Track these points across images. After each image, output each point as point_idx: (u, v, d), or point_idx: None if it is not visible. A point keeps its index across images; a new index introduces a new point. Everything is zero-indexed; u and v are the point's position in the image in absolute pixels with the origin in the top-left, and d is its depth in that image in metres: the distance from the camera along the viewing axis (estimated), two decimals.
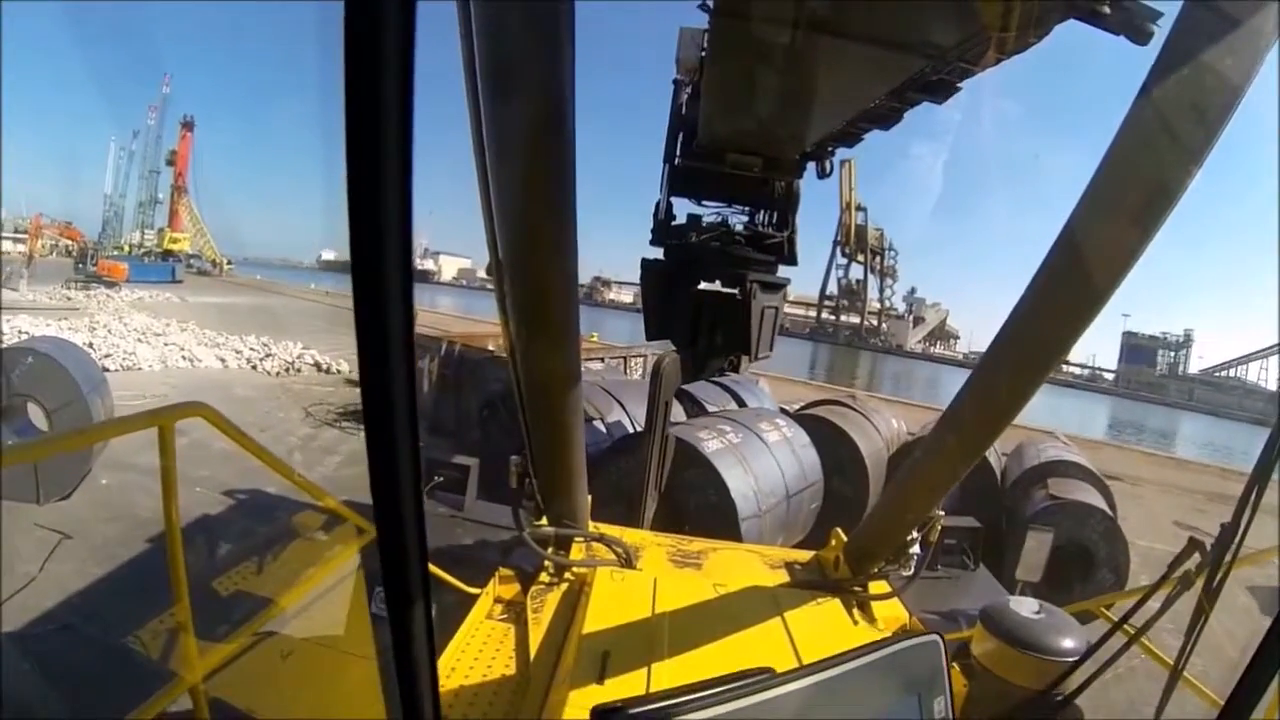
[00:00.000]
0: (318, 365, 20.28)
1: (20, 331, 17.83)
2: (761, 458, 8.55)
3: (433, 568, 4.31)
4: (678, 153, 5.21)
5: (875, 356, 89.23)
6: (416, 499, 1.16)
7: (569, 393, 3.20)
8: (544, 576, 3.91)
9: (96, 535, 7.42)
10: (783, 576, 4.25)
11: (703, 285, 5.25)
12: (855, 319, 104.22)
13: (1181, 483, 20.10)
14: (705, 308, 5.04)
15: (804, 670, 1.47)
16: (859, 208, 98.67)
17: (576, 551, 4.07)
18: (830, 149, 5.03)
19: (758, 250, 5.03)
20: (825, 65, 3.43)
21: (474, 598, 3.96)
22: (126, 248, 64.42)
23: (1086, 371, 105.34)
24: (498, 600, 3.90)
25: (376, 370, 1.01)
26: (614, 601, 3.36)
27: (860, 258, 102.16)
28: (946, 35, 3.06)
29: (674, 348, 8.10)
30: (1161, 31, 2.20)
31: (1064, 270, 2.59)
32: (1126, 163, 2.32)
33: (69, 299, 32.14)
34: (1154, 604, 2.39)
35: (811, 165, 5.57)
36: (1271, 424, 1.85)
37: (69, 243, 51.46)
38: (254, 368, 19.49)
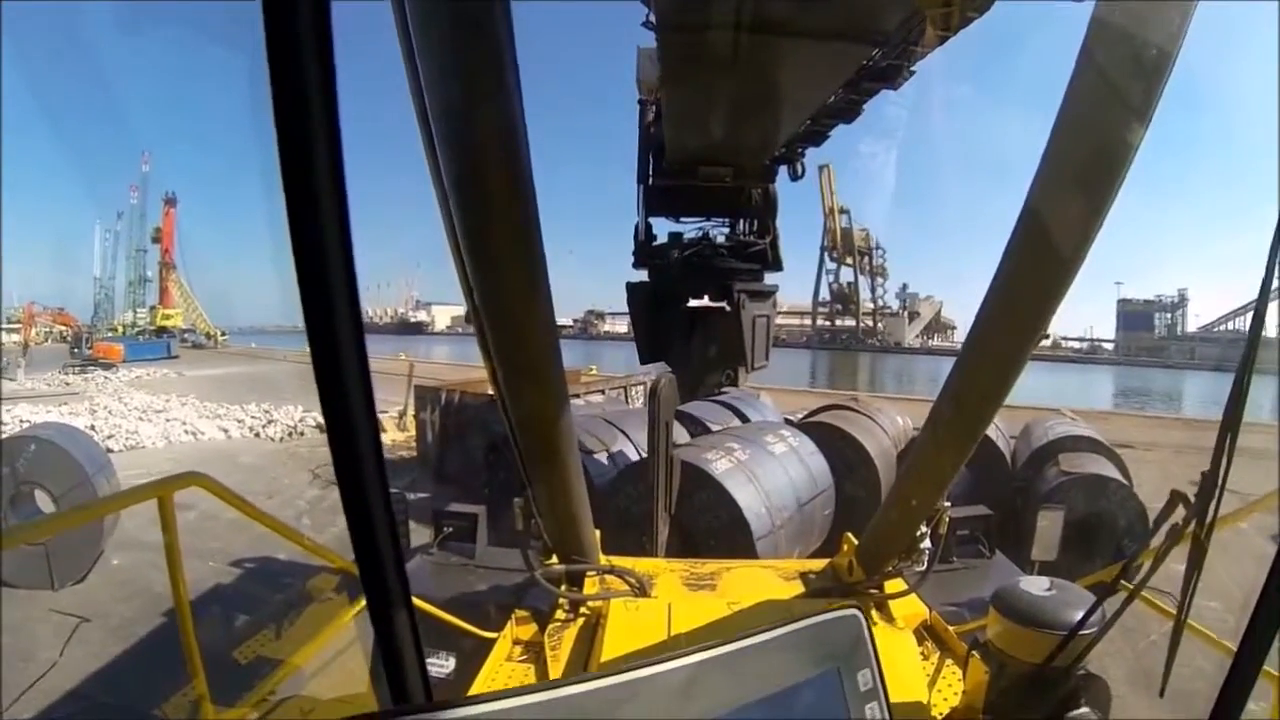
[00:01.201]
0: (320, 426, 20.07)
1: (21, 420, 17.83)
2: (771, 472, 8.54)
3: (448, 616, 4.28)
4: (650, 172, 5.24)
5: (875, 356, 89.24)
6: (394, 541, 1.19)
7: (561, 429, 3.19)
8: (559, 614, 3.92)
9: (114, 615, 7.40)
10: (798, 588, 4.26)
11: (691, 302, 5.24)
12: (851, 322, 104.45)
13: (1193, 442, 20.01)
14: (696, 324, 5.02)
15: (691, 650, 1.43)
16: (842, 211, 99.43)
17: (590, 586, 4.07)
18: (800, 150, 5.05)
19: (742, 260, 5.04)
20: (777, 66, 3.48)
21: (492, 642, 3.96)
22: (120, 328, 64.77)
23: (1086, 344, 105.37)
24: (516, 642, 3.90)
25: (340, 421, 1.05)
26: (630, 631, 3.36)
27: (849, 260, 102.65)
28: (888, 19, 3.11)
29: (669, 368, 8.09)
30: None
31: (1032, 241, 2.59)
32: (1075, 127, 2.33)
33: (67, 384, 32.13)
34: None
35: (784, 170, 5.59)
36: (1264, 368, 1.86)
37: (63, 328, 51.63)
38: (257, 435, 19.48)
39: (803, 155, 5.04)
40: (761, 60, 3.17)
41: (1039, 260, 2.61)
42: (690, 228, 5.26)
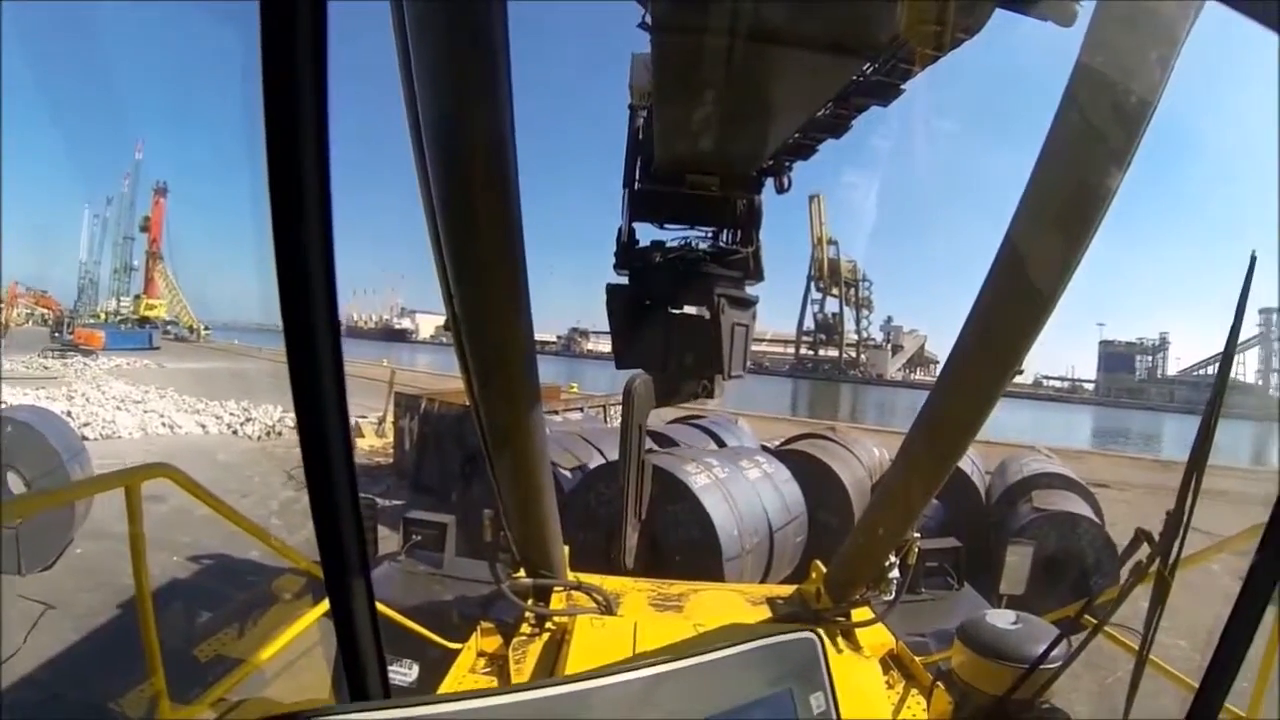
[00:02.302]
0: None
1: None
2: (746, 495, 8.59)
3: (413, 625, 4.26)
4: (637, 178, 5.30)
5: (856, 388, 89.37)
6: (361, 546, 1.22)
7: (534, 444, 3.20)
8: (525, 628, 3.91)
9: (80, 604, 7.33)
10: (765, 613, 4.27)
11: (671, 310, 5.29)
12: (834, 352, 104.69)
13: (1169, 483, 19.97)
14: (675, 329, 5.05)
15: (645, 663, 1.43)
16: (830, 241, 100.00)
17: (556, 601, 4.07)
18: (787, 164, 5.10)
19: (723, 266, 5.09)
20: (770, 74, 3.49)
21: (456, 653, 3.95)
22: (103, 315, 63.95)
23: (1067, 384, 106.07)
24: (480, 654, 3.89)
25: (312, 425, 1.08)
26: (595, 648, 3.36)
27: (835, 291, 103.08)
28: (881, 33, 3.15)
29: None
30: (1078, 34, 2.26)
31: (1010, 276, 2.62)
32: (1056, 166, 2.36)
33: (46, 368, 31.78)
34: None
35: (771, 182, 5.66)
36: (1234, 413, 1.91)
37: (44, 311, 51.09)
38: (234, 433, 19.30)
39: (790, 169, 5.09)
40: (755, 68, 3.20)
41: (1016, 295, 2.63)
42: (673, 236, 5.31)
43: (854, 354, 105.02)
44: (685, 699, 1.43)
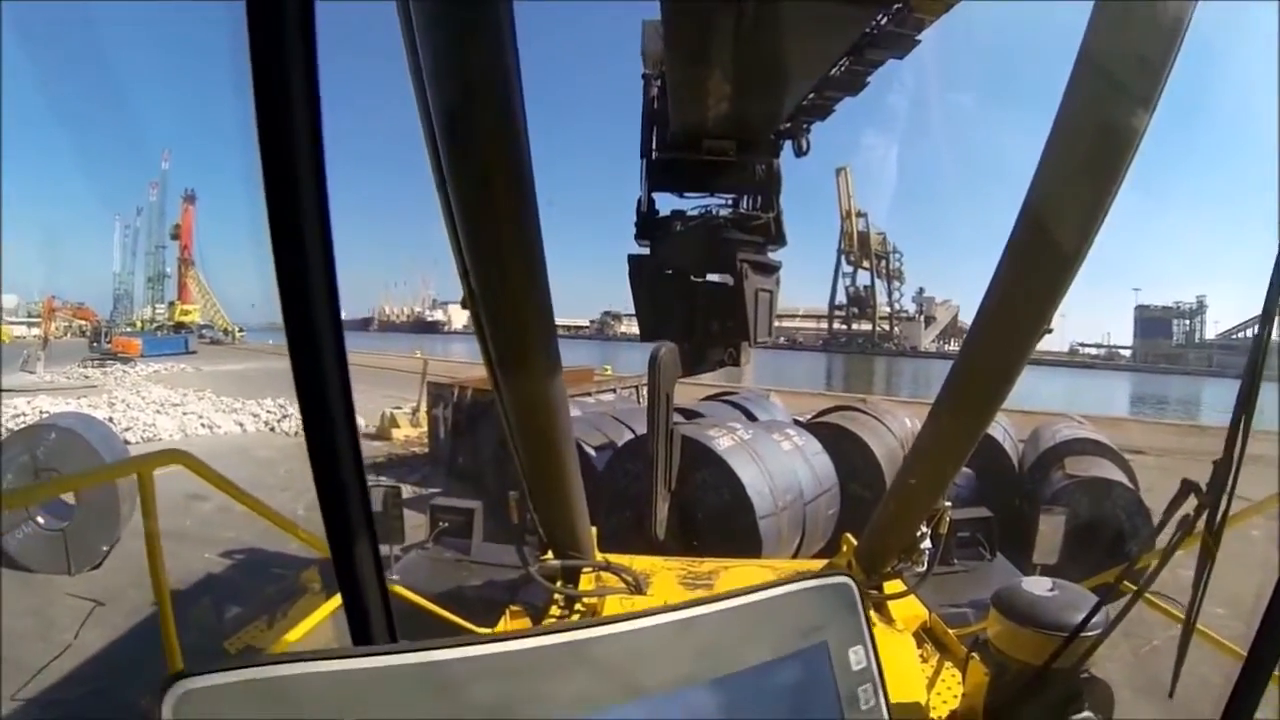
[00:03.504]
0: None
1: (41, 411, 18.05)
2: (775, 456, 8.52)
3: (442, 611, 4.30)
4: (654, 147, 5.23)
5: (890, 361, 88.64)
6: (370, 536, 1.23)
7: (557, 423, 3.16)
8: (554, 610, 3.88)
9: (127, 602, 7.52)
10: None
11: (694, 278, 5.20)
12: (867, 326, 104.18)
13: (1207, 448, 19.75)
14: (699, 297, 4.97)
15: (660, 610, 1.27)
16: (859, 214, 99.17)
17: (585, 582, 4.03)
18: (805, 125, 5.00)
19: (744, 232, 4.99)
20: (782, 31, 3.40)
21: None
22: (139, 323, 65.42)
23: (1103, 351, 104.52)
24: None
25: (317, 416, 1.08)
26: None
27: (865, 264, 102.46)
28: None
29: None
30: None
31: (1033, 237, 2.53)
32: (1076, 119, 2.28)
33: (86, 377, 32.49)
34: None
35: (789, 145, 5.53)
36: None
37: (82, 323, 52.09)
38: (272, 430, 19.56)
39: (808, 130, 4.97)
40: (767, 24, 3.11)
41: (1040, 256, 2.56)
42: (693, 205, 5.23)
43: (887, 327, 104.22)
44: (703, 653, 1.27)
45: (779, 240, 5.40)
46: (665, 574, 4.37)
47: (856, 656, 1.41)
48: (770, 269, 5.34)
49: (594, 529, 4.19)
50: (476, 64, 1.81)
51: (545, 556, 3.92)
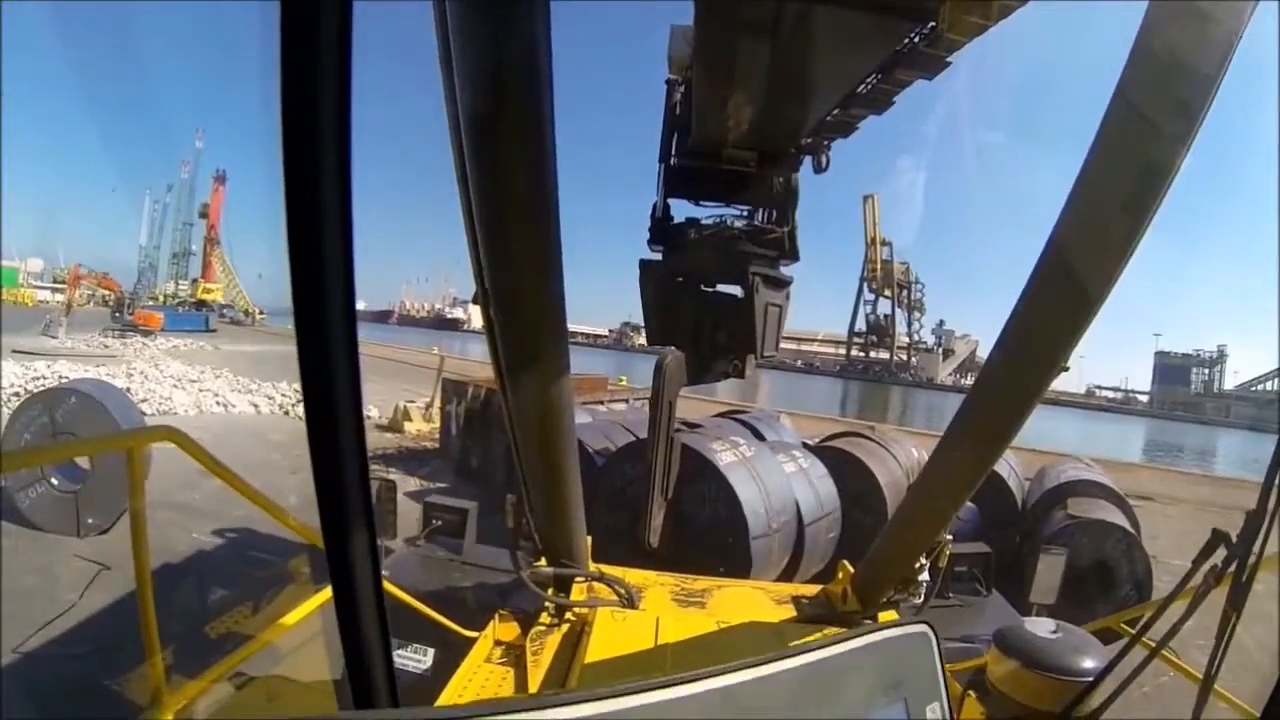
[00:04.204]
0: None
1: (61, 376, 18.28)
2: (775, 475, 8.51)
3: (430, 611, 4.25)
4: (673, 152, 5.23)
5: (906, 391, 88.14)
6: (370, 533, 1.23)
7: (562, 430, 3.14)
8: (544, 618, 3.83)
9: (131, 568, 7.58)
10: (789, 612, 4.20)
11: (704, 287, 5.20)
12: (885, 354, 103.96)
13: (1218, 499, 19.52)
14: (708, 306, 4.97)
15: (729, 669, 1.19)
16: (884, 243, 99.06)
17: (577, 592, 4.01)
18: (826, 141, 5.00)
19: (758, 245, 4.98)
20: (812, 43, 3.42)
21: (472, 641, 3.86)
22: (161, 298, 65.84)
23: (1120, 394, 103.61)
24: (497, 643, 3.79)
25: (321, 406, 1.13)
26: (615, 641, 3.29)
27: (887, 293, 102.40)
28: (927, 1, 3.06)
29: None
30: (1135, 19, 2.17)
31: (1054, 278, 2.51)
32: (1111, 154, 2.27)
33: (106, 346, 32.87)
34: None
35: (808, 161, 5.53)
36: None
37: (106, 293, 52.60)
38: (286, 413, 19.65)
39: (828, 147, 4.97)
40: (798, 36, 3.11)
41: (1063, 292, 2.53)
42: (709, 213, 5.23)
43: (905, 357, 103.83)
44: (777, 715, 1.18)
45: (792, 255, 5.40)
46: (658, 589, 4.36)
47: (933, 712, 1.34)
48: (781, 284, 5.35)
49: (589, 539, 4.17)
50: (509, 63, 1.82)
51: (538, 563, 3.89)
